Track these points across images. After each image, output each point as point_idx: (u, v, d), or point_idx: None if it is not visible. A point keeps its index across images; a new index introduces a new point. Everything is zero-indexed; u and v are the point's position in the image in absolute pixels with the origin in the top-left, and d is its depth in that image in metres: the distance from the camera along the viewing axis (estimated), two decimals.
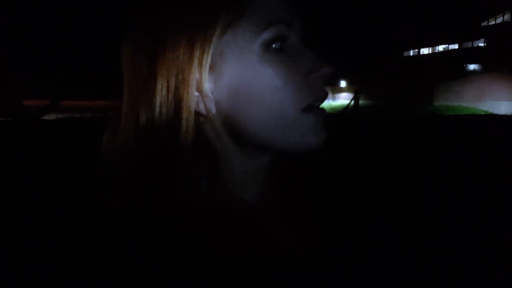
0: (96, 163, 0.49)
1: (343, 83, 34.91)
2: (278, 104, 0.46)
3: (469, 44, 34.36)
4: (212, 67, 0.46)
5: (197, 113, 0.47)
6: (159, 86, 0.46)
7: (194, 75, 0.45)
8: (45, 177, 1.13)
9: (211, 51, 0.45)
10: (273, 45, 0.46)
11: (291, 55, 0.47)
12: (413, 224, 0.54)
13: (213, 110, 0.47)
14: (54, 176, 1.12)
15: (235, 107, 0.47)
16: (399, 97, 25.40)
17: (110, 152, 0.48)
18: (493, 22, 33.65)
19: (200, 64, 0.45)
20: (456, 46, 35.60)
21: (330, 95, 33.46)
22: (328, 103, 28.57)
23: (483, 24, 34.46)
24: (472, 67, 31.15)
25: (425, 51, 38.36)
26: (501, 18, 32.91)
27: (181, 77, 0.45)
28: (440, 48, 37.12)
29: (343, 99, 31.05)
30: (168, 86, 0.46)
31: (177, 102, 0.45)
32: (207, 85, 0.46)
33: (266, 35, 0.45)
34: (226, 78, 0.46)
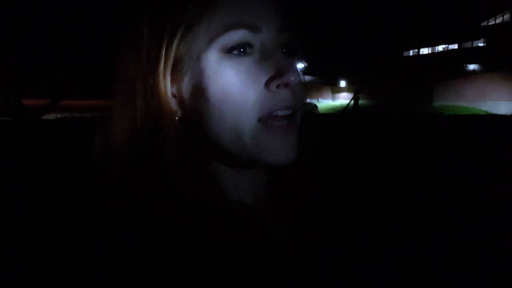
0: (93, 163, 0.49)
1: (342, 83, 34.88)
2: (233, 112, 0.45)
3: (469, 44, 34.34)
4: (175, 68, 0.46)
5: (173, 114, 0.47)
6: (138, 88, 0.46)
7: (161, 75, 0.45)
8: (45, 177, 1.13)
9: (173, 49, 0.45)
10: (233, 51, 0.45)
11: (253, 61, 0.45)
12: (413, 224, 0.54)
13: (179, 112, 0.47)
14: (54, 176, 1.12)
15: (197, 110, 0.46)
16: (399, 97, 25.38)
17: (105, 153, 0.49)
18: (492, 22, 33.62)
19: (165, 64, 0.45)
20: (456, 46, 35.57)
21: (330, 95, 33.44)
22: (328, 103, 28.56)
23: (482, 24, 34.43)
24: (472, 67, 31.14)
25: (425, 51, 38.33)
26: (501, 18, 32.90)
27: (152, 78, 0.46)
28: (440, 48, 37.09)
29: (342, 99, 31.03)
30: (145, 88, 0.46)
31: (154, 103, 0.46)
32: (168, 85, 0.46)
33: (223, 40, 0.44)
34: (187, 80, 0.46)
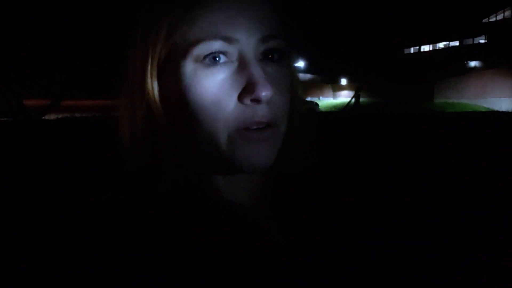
0: (98, 163, 0.49)
1: (343, 81, 34.90)
2: (208, 122, 0.45)
3: (470, 41, 34.29)
4: (162, 72, 0.46)
5: (162, 117, 0.47)
6: (135, 89, 0.47)
7: (149, 77, 0.46)
8: (46, 177, 1.13)
9: (157, 53, 0.45)
10: (206, 59, 0.44)
11: (228, 72, 0.45)
12: (414, 224, 0.53)
13: (166, 116, 0.47)
14: (55, 176, 1.12)
15: (178, 116, 0.47)
16: (400, 95, 25.37)
17: (112, 152, 0.49)
18: (493, 19, 33.57)
19: (152, 67, 0.46)
20: (457, 43, 35.54)
21: (331, 93, 33.45)
22: (329, 101, 28.56)
23: (483, 20, 34.38)
24: (473, 64, 31.12)
25: (425, 48, 38.30)
26: (502, 14, 32.83)
27: (143, 80, 0.46)
28: (441, 45, 37.06)
29: (343, 97, 31.02)
30: (140, 89, 0.47)
31: (146, 104, 0.46)
32: (156, 89, 0.46)
33: (198, 50, 0.44)
34: (170, 86, 0.46)
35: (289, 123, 0.49)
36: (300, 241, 0.48)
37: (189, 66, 0.44)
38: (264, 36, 0.45)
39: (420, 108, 17.56)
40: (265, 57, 0.46)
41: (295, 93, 0.52)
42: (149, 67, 0.46)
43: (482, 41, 33.19)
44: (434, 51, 37.37)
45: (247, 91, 0.44)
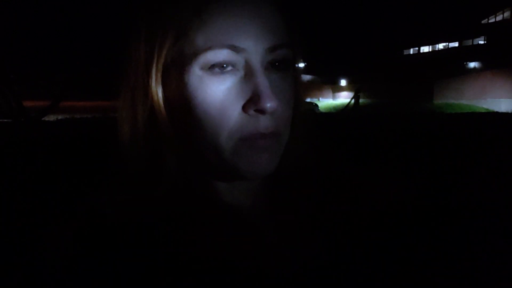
0: (99, 163, 0.49)
1: (343, 82, 34.88)
2: (213, 130, 0.45)
3: (469, 42, 34.30)
4: (166, 76, 0.46)
5: (165, 119, 0.47)
6: (137, 90, 0.47)
7: (153, 80, 0.46)
8: (46, 178, 1.13)
9: (163, 57, 0.45)
10: (215, 68, 0.44)
11: (235, 80, 0.45)
12: (414, 225, 0.53)
13: (170, 118, 0.47)
14: (55, 177, 1.12)
15: (182, 120, 0.47)
16: (400, 96, 25.36)
17: (112, 153, 0.49)
18: (493, 20, 33.59)
19: (157, 69, 0.46)
20: (456, 44, 35.54)
21: (330, 94, 33.44)
22: (329, 102, 28.55)
23: (483, 21, 34.40)
24: (472, 64, 31.11)
25: (425, 49, 38.30)
26: (501, 15, 32.85)
27: (147, 82, 0.46)
28: (440, 46, 37.05)
29: (343, 98, 31.01)
30: (143, 91, 0.46)
31: (149, 107, 0.46)
32: (160, 91, 0.46)
33: (205, 58, 0.43)
34: (172, 88, 0.46)
35: (291, 128, 0.49)
36: (299, 243, 0.48)
37: (195, 73, 0.44)
38: (272, 46, 0.45)
39: (420, 109, 17.55)
40: (272, 65, 0.46)
41: (299, 99, 0.51)
42: (153, 70, 0.45)
43: (482, 42, 33.21)
44: (433, 52, 37.36)
45: (252, 102, 0.44)
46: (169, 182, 0.46)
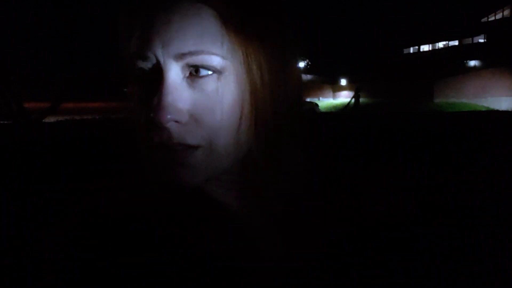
0: (105, 163, 0.50)
1: (343, 81, 34.88)
2: (135, 134, 0.46)
3: (469, 41, 34.28)
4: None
5: None
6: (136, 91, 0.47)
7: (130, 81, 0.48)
8: (46, 180, 1.13)
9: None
10: (139, 73, 0.45)
11: (146, 89, 0.45)
12: (414, 225, 0.53)
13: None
14: (55, 179, 1.12)
15: None
16: (400, 95, 25.35)
17: (119, 152, 0.50)
18: (493, 18, 33.57)
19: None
20: (456, 43, 35.53)
21: (330, 93, 33.44)
22: (329, 102, 28.56)
23: (483, 20, 34.38)
24: (472, 63, 31.10)
25: (425, 48, 38.29)
26: (501, 14, 32.84)
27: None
28: (440, 44, 37.04)
29: (343, 97, 31.00)
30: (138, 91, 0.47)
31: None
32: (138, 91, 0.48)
33: (132, 63, 0.46)
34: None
35: (286, 127, 0.47)
36: (299, 244, 0.48)
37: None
38: (180, 53, 0.42)
39: (420, 108, 17.56)
40: (197, 71, 0.43)
41: (296, 96, 0.50)
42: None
43: (482, 41, 33.20)
44: (433, 50, 37.36)
45: (150, 109, 0.42)
46: (156, 181, 0.46)
